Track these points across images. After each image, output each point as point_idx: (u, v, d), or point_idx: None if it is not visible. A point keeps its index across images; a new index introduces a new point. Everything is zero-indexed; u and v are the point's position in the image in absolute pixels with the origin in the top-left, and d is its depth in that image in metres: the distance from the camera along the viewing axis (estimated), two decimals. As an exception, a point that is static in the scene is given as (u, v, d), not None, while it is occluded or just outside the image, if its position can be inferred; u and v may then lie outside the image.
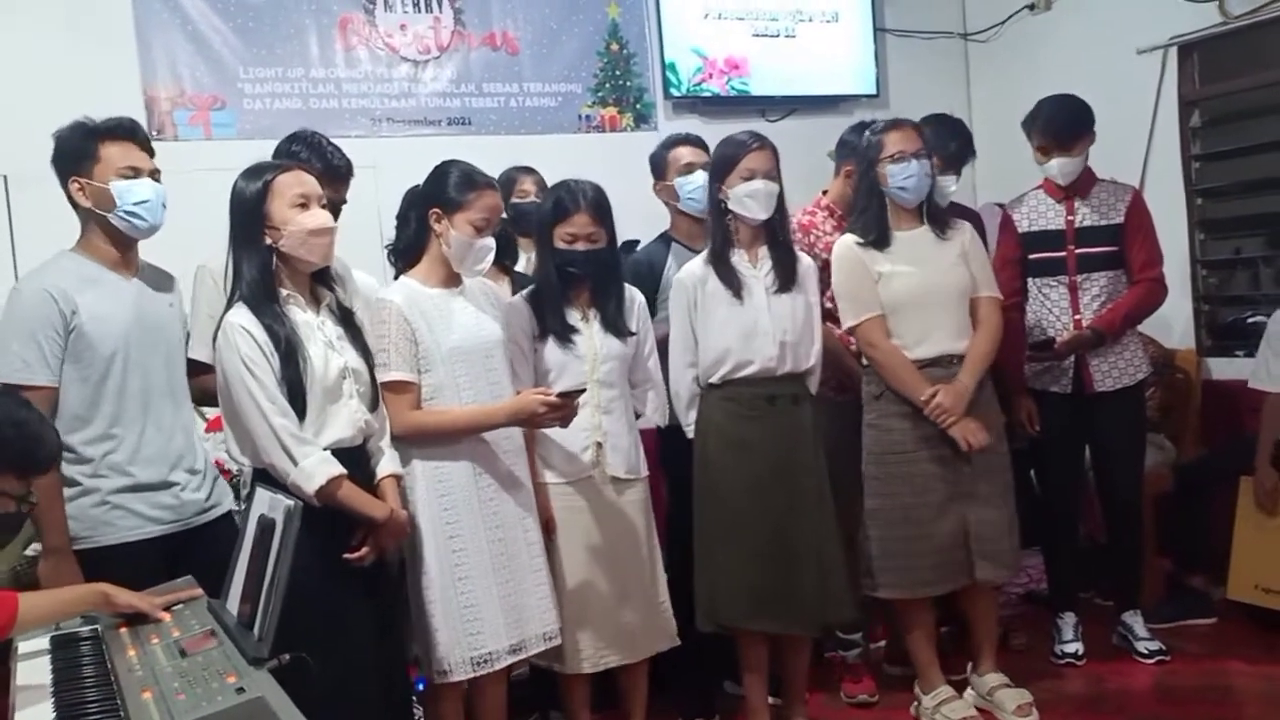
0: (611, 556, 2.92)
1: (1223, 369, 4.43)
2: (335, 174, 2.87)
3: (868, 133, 3.29)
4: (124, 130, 2.59)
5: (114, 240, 2.59)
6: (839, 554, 3.11)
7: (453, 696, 2.71)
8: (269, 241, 2.38)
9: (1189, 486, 3.99)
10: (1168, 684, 3.44)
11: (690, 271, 3.10)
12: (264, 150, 3.05)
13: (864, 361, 3.29)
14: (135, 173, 2.56)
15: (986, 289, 3.27)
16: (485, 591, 2.66)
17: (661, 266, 3.38)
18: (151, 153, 2.64)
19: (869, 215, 3.23)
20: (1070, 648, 3.68)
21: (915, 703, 3.33)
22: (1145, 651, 3.60)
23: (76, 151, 2.55)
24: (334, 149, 2.95)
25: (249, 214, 2.38)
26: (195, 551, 2.57)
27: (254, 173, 2.44)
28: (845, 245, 3.26)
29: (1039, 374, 3.66)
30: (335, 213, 2.66)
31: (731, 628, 3.05)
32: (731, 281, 3.04)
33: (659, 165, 3.50)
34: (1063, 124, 3.58)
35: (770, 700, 3.22)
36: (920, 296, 3.18)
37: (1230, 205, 4.70)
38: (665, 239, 3.49)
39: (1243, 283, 4.66)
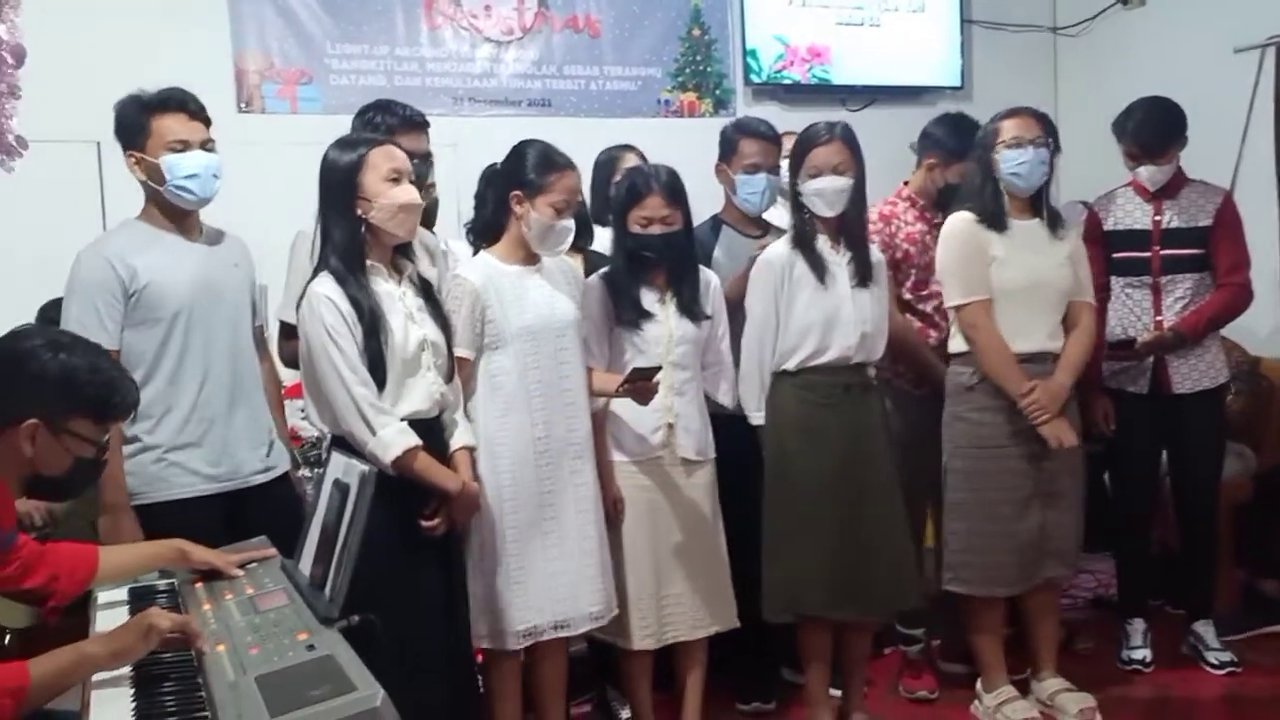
0: (677, 537, 2.93)
1: (1310, 378, 4.30)
2: (412, 124, 2.93)
3: (991, 122, 3.22)
4: (174, 102, 2.62)
5: (171, 210, 2.65)
6: (908, 543, 3.10)
7: (509, 666, 2.74)
8: (359, 213, 2.42)
9: (1269, 495, 3.89)
10: (1237, 695, 3.36)
11: (778, 253, 3.07)
12: (346, 126, 3.11)
13: (952, 350, 3.22)
14: (184, 146, 2.59)
15: (1085, 294, 3.22)
16: (534, 567, 2.69)
17: (709, 249, 3.36)
18: (207, 122, 2.67)
19: (985, 197, 3.16)
20: (1138, 654, 3.61)
21: (976, 701, 3.30)
22: (1216, 662, 3.52)
23: (130, 125, 2.61)
24: (405, 106, 3.00)
25: (341, 185, 2.42)
26: (252, 512, 2.62)
27: (348, 145, 2.48)
28: (962, 220, 3.18)
29: (1116, 374, 3.59)
30: (424, 161, 2.70)
31: (810, 617, 3.04)
32: (818, 266, 3.01)
33: (727, 148, 3.45)
34: (1153, 133, 3.50)
35: (830, 692, 3.21)
36: (1029, 289, 3.13)
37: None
38: (715, 221, 3.46)
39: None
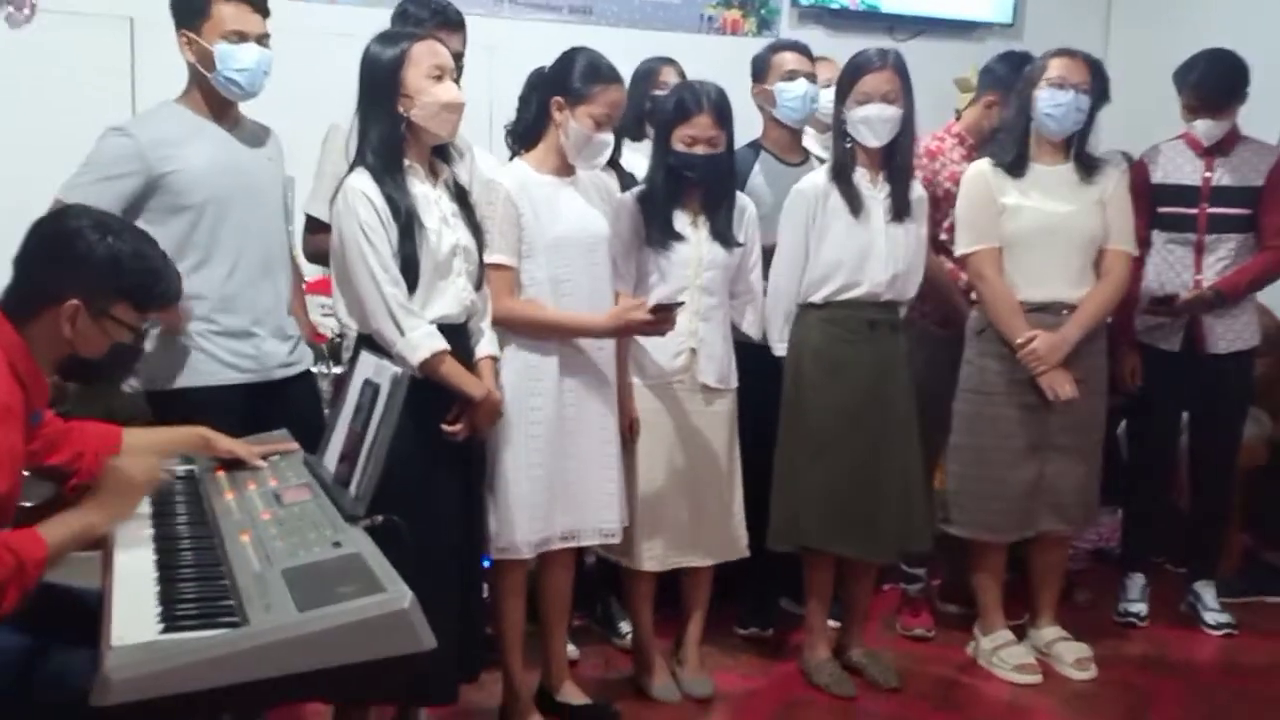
0: (692, 462, 2.93)
1: (1337, 349, 4.26)
2: (449, 22, 2.89)
3: (1039, 58, 3.15)
4: None
5: (213, 97, 2.61)
6: (923, 484, 3.11)
7: (516, 572, 2.76)
8: (401, 110, 2.37)
9: (1282, 464, 3.89)
10: (1232, 657, 3.40)
11: (813, 183, 3.02)
12: (384, 19, 3.05)
13: (972, 296, 3.21)
14: (241, 37, 2.54)
15: (1120, 241, 3.16)
16: (551, 479, 2.69)
17: (746, 175, 3.30)
18: (266, 13, 2.62)
19: (1011, 137, 3.12)
20: (1135, 608, 3.64)
21: (973, 643, 3.34)
22: (1213, 623, 3.56)
23: (189, 4, 2.55)
24: (447, 4, 2.95)
25: (383, 80, 2.37)
26: (275, 406, 2.62)
27: (390, 39, 2.42)
28: (977, 169, 3.16)
29: (1149, 329, 3.56)
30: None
31: (809, 549, 3.05)
32: (853, 199, 2.97)
33: (760, 68, 3.41)
34: (1216, 87, 3.43)
35: (828, 623, 3.24)
36: (1043, 235, 3.09)
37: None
38: (755, 146, 3.40)
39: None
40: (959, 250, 3.17)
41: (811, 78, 3.35)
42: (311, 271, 3.31)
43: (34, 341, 1.81)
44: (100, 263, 1.81)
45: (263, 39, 2.59)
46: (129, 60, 3.78)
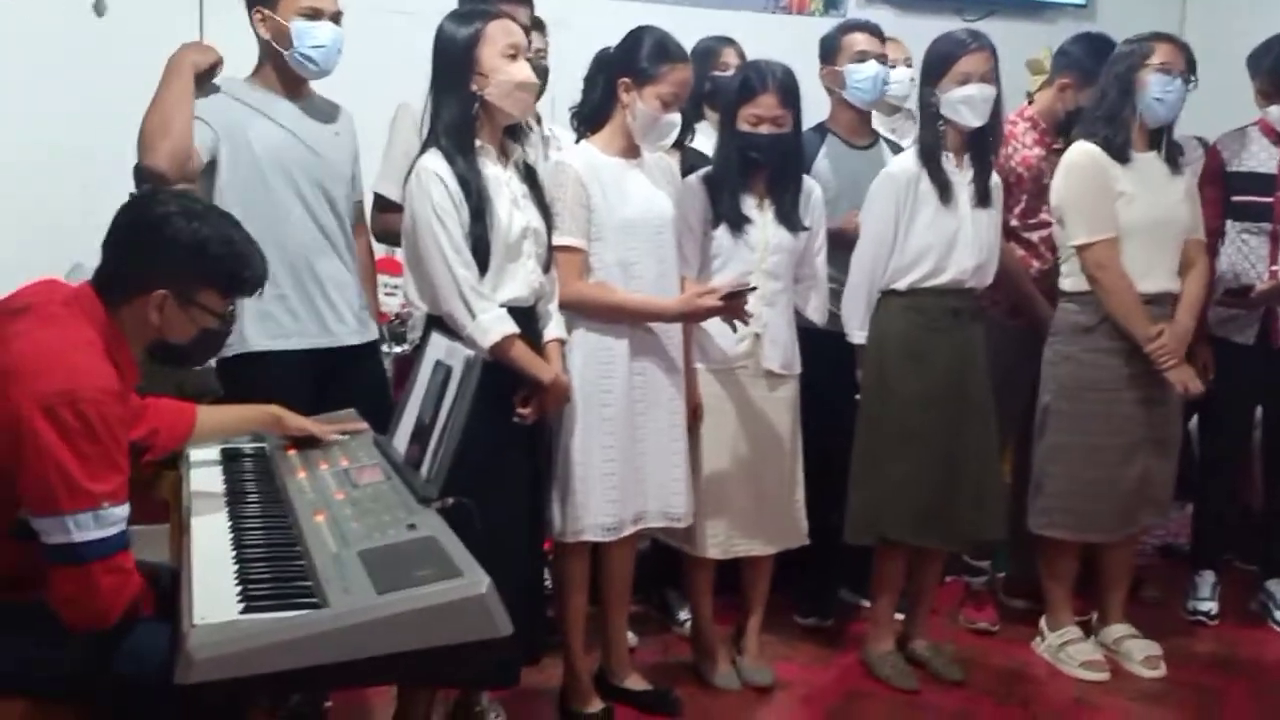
0: (755, 449, 2.90)
1: None
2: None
3: (1135, 40, 3.06)
4: None
5: (286, 74, 2.62)
6: (997, 474, 3.06)
7: (581, 555, 2.75)
8: (475, 89, 2.35)
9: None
10: (1305, 657, 3.32)
11: (904, 167, 2.96)
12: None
13: (1065, 287, 3.11)
14: (316, 14, 2.55)
15: (1200, 231, 3.12)
16: (625, 464, 2.67)
17: (812, 158, 3.24)
18: None
19: (1118, 123, 3.02)
20: (1205, 605, 3.56)
21: (1039, 637, 3.28)
22: (1286, 621, 3.48)
23: None
24: None
25: (458, 58, 2.35)
26: (343, 377, 2.63)
27: (465, 17, 2.40)
28: (1086, 153, 3.04)
29: (1223, 322, 3.47)
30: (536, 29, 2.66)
31: (893, 541, 3.01)
32: (943, 184, 2.91)
33: (830, 49, 3.35)
34: None
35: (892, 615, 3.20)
36: (1153, 227, 3.02)
37: None
38: (821, 130, 3.34)
39: None
40: (1075, 240, 3.04)
41: (882, 59, 3.29)
42: (377, 250, 3.32)
43: (125, 325, 1.82)
44: (187, 250, 1.82)
45: (336, 17, 2.60)
46: (198, 36, 3.79)
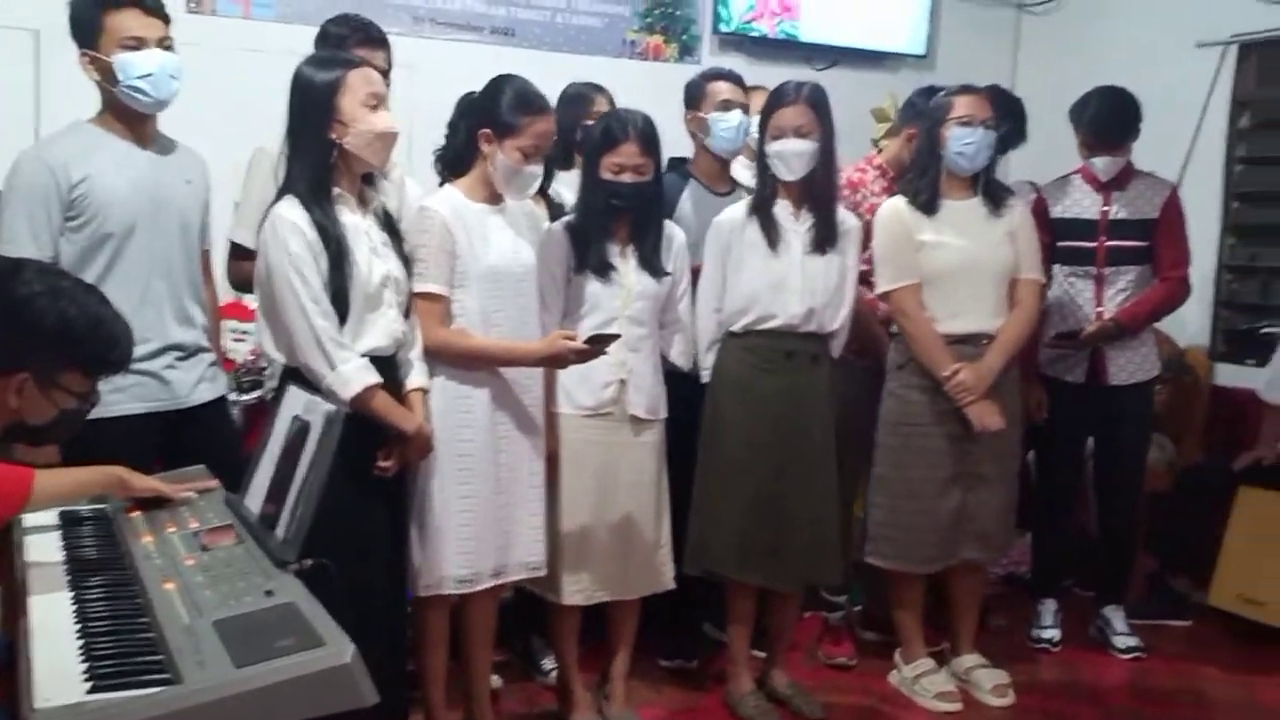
0: (620, 494, 2.90)
1: (1232, 376, 4.44)
2: (371, 39, 2.85)
3: (940, 94, 3.21)
4: None
5: (125, 114, 2.53)
6: (835, 516, 3.11)
7: (440, 609, 2.71)
8: (334, 137, 2.30)
9: (1188, 489, 4.01)
10: (1142, 681, 3.48)
11: (730, 217, 3.05)
12: (301, 35, 2.98)
13: (892, 329, 3.25)
14: (139, 43, 2.47)
15: (1030, 271, 3.23)
16: (482, 514, 2.65)
17: (675, 201, 3.29)
18: (165, 19, 2.54)
19: (925, 179, 3.17)
20: (1048, 634, 3.72)
21: (895, 671, 3.37)
22: (1122, 646, 3.64)
23: (84, 22, 2.49)
24: (369, 22, 2.93)
25: (317, 105, 2.30)
26: (188, 436, 2.55)
27: (324, 63, 2.36)
28: (892, 208, 3.21)
29: (1053, 361, 3.65)
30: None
31: (719, 576, 3.05)
32: (770, 232, 2.99)
33: (695, 95, 3.40)
34: (1110, 125, 3.55)
35: (751, 653, 3.23)
36: (960, 271, 3.14)
37: (1265, 212, 4.67)
38: (684, 174, 3.39)
39: (1253, 291, 4.65)
40: (880, 287, 3.21)
41: (745, 108, 3.35)
42: (223, 295, 3.21)
43: None
44: (51, 334, 1.73)
45: (164, 42, 2.50)
46: (33, 75, 3.64)
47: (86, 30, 2.47)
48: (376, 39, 2.91)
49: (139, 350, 2.48)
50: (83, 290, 1.84)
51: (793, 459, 3.02)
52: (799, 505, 3.01)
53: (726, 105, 3.32)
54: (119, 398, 2.49)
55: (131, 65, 2.45)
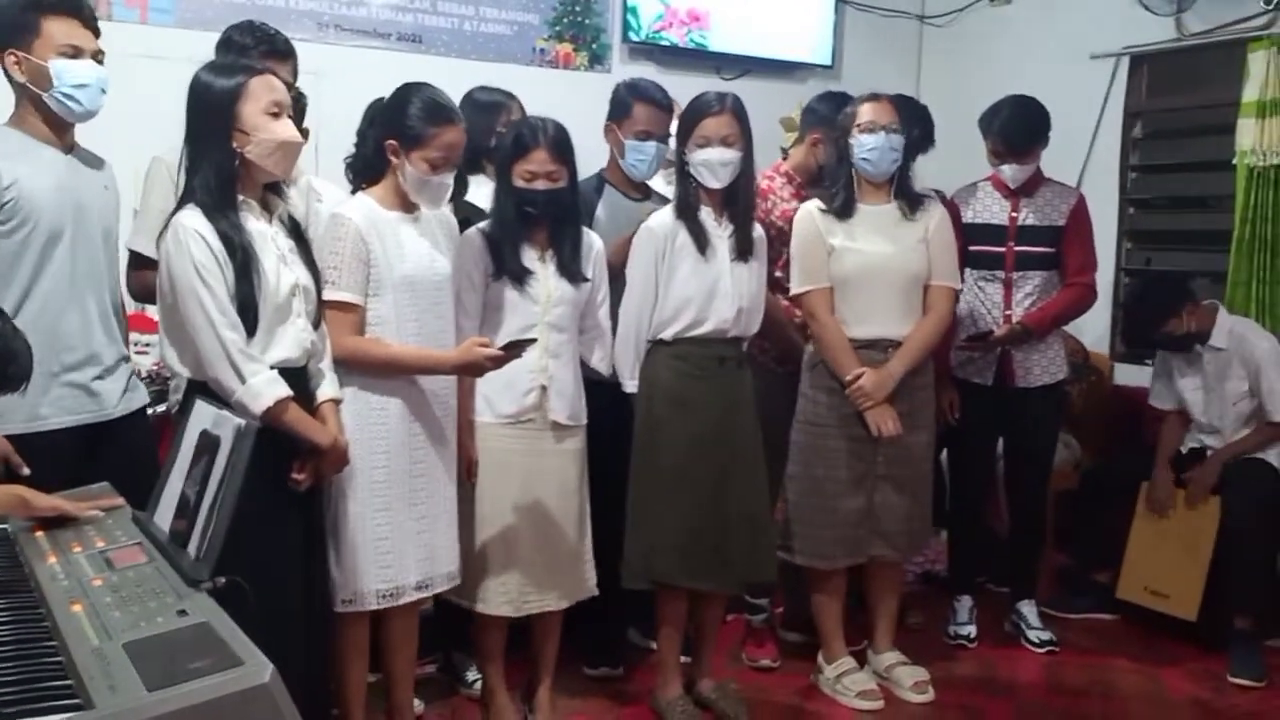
0: (544, 502, 2.87)
1: (1132, 376, 4.57)
2: (276, 51, 2.79)
3: (850, 105, 3.26)
4: (69, 5, 2.47)
5: (48, 119, 2.49)
6: (768, 516, 3.14)
7: (359, 624, 2.66)
8: (235, 145, 2.24)
9: (1092, 488, 4.11)
10: (1056, 674, 3.56)
11: (661, 222, 3.04)
12: (201, 41, 2.91)
13: (808, 332, 3.29)
14: (77, 52, 2.45)
15: (943, 278, 3.26)
16: (400, 526, 2.61)
17: (592, 207, 3.28)
18: (97, 32, 2.53)
19: (836, 182, 3.22)
20: (964, 630, 3.79)
21: (816, 671, 3.39)
22: (1036, 640, 3.72)
23: (14, 23, 2.43)
24: (275, 31, 2.86)
25: (216, 113, 2.23)
26: (111, 447, 2.51)
27: (224, 70, 2.28)
28: (806, 212, 3.25)
29: (963, 364, 3.72)
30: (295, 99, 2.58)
31: (664, 584, 3.04)
32: (699, 237, 3.00)
33: (619, 109, 3.34)
34: (1019, 133, 3.62)
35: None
36: (869, 276, 3.18)
37: (1158, 218, 4.84)
38: (600, 180, 3.38)
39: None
40: (793, 290, 3.25)
41: (665, 139, 3.30)
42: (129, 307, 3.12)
43: None
44: None
45: (97, 55, 2.49)
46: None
47: (17, 30, 2.42)
48: (282, 51, 2.85)
49: (67, 359, 2.48)
50: None
51: (730, 463, 3.03)
52: (738, 506, 3.02)
53: (645, 135, 3.28)
54: (50, 411, 2.44)
55: (69, 73, 2.44)
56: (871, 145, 3.16)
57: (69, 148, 2.54)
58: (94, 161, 2.62)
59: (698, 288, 2.99)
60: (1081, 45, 4.74)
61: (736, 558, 3.03)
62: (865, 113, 3.18)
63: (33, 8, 2.42)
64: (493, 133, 3.23)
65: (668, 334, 3.02)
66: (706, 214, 3.03)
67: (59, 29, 2.43)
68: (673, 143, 3.20)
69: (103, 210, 2.58)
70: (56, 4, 2.44)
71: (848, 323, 3.19)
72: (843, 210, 3.20)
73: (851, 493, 3.20)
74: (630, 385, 3.04)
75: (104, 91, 2.50)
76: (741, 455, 3.05)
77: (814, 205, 3.24)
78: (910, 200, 3.26)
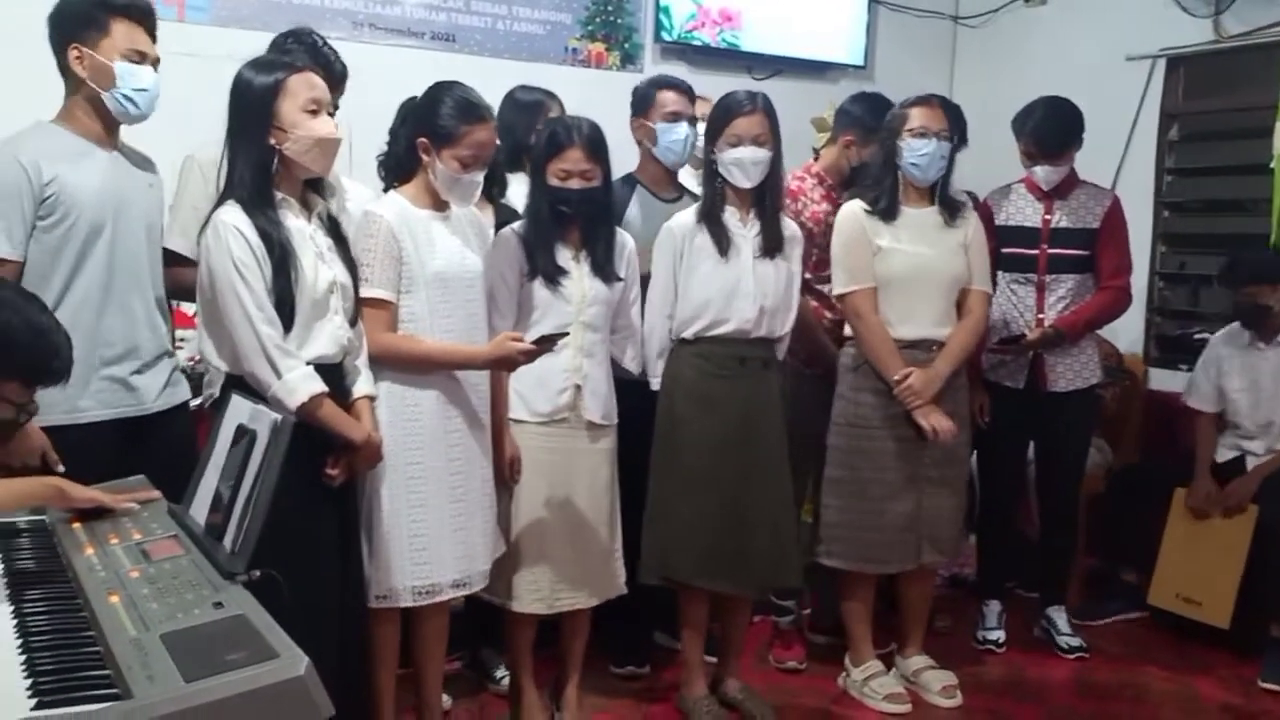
0: (578, 500, 2.88)
1: (1166, 380, 4.53)
2: (331, 79, 2.75)
3: (897, 106, 3.24)
4: (139, 10, 2.50)
5: (100, 117, 2.51)
6: (792, 520, 3.13)
7: (391, 621, 2.67)
8: (273, 142, 2.26)
9: (1123, 491, 4.08)
10: (1085, 679, 3.53)
11: (681, 223, 3.04)
12: (237, 40, 2.92)
13: (846, 333, 3.27)
14: (141, 57, 2.48)
15: (980, 282, 3.27)
16: (437, 523, 2.61)
17: (623, 208, 3.29)
18: (155, 40, 2.55)
19: (882, 186, 3.21)
20: (993, 635, 3.76)
21: (844, 674, 3.38)
22: (1066, 646, 3.69)
23: (84, 18, 2.45)
24: (332, 51, 2.86)
25: (256, 110, 2.26)
26: (150, 441, 2.52)
27: (264, 66, 2.31)
28: (851, 211, 3.23)
29: (995, 367, 3.70)
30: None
31: (678, 583, 3.04)
32: (720, 239, 2.99)
33: (643, 102, 3.39)
34: (1052, 135, 3.58)
35: (704, 658, 3.23)
36: (913, 277, 3.17)
37: (1194, 221, 4.79)
38: (630, 180, 3.39)
39: (1183, 298, 4.76)
40: (836, 290, 3.23)
41: (693, 120, 3.34)
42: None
43: None
44: None
45: (155, 63, 2.51)
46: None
47: (85, 25, 2.44)
48: (338, 76, 2.84)
49: (106, 354, 2.50)
50: (22, 298, 1.80)
51: (751, 464, 3.02)
52: (759, 510, 3.01)
53: (674, 117, 3.31)
54: (89, 404, 2.46)
55: (134, 76, 2.46)
56: (923, 151, 3.14)
57: (114, 146, 2.56)
58: (141, 161, 2.63)
59: (717, 288, 2.99)
60: (1117, 46, 4.70)
61: (757, 562, 3.02)
62: (916, 117, 3.16)
63: (104, 7, 2.44)
64: (533, 130, 3.25)
65: (689, 333, 3.02)
66: (731, 214, 3.03)
67: (129, 32, 2.46)
68: (700, 141, 3.20)
69: (146, 207, 2.59)
70: (129, 7, 2.47)
71: (891, 323, 3.17)
72: (887, 212, 3.18)
73: (900, 495, 3.18)
74: (656, 382, 3.05)
75: (157, 98, 2.53)
76: (765, 458, 3.04)
77: (858, 205, 3.22)
78: (950, 207, 3.26)
